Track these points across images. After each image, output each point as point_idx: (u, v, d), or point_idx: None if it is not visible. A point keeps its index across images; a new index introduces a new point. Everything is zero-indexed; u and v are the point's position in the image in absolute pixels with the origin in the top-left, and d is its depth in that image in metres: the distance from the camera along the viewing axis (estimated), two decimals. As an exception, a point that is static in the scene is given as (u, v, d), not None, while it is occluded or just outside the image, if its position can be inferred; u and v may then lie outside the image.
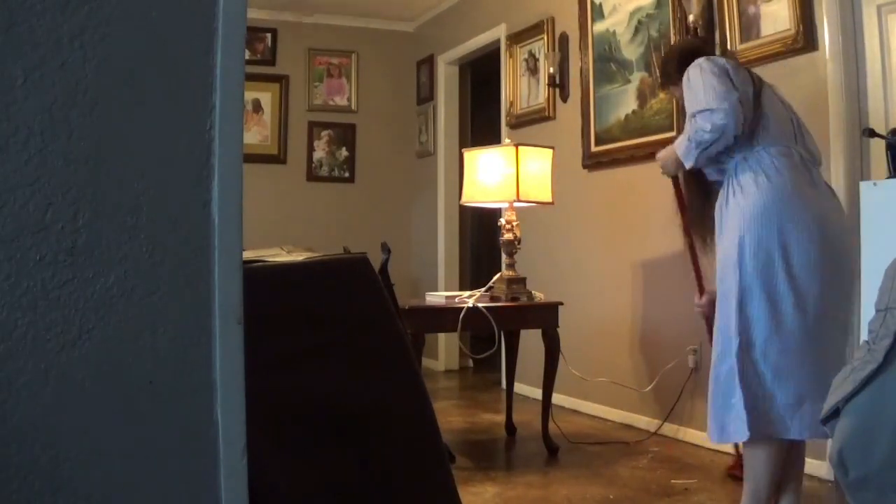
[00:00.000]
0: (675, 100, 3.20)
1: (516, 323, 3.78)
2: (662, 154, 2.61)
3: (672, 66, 2.67)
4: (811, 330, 2.25)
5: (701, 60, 2.45)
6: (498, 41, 5.46)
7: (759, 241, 2.25)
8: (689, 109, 2.42)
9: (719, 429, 2.33)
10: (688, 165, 2.43)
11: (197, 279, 1.08)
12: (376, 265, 1.91)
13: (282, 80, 6.32)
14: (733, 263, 2.29)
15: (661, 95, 3.91)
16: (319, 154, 6.46)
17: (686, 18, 3.67)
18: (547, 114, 4.88)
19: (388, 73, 6.62)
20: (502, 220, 3.75)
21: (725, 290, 2.32)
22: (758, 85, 2.44)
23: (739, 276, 2.27)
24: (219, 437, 1.08)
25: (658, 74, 3.13)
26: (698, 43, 3.09)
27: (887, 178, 2.33)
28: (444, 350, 6.22)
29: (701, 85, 2.37)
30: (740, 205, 2.31)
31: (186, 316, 1.08)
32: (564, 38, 4.74)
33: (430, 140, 6.36)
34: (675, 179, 2.73)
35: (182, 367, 1.07)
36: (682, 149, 2.42)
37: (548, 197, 3.77)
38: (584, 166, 4.53)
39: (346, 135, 6.51)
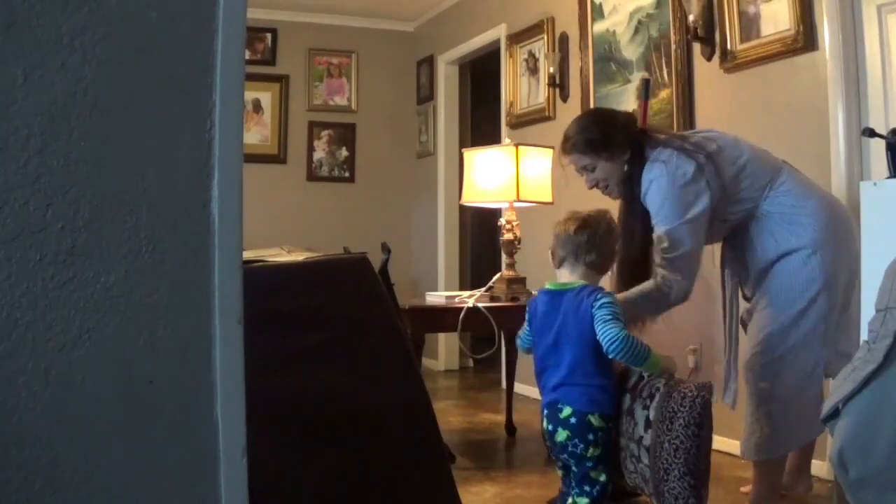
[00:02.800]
0: (585, 172, 2.77)
1: (516, 323, 3.77)
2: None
3: (620, 136, 2.57)
4: None
5: (673, 173, 2.46)
6: (498, 41, 5.46)
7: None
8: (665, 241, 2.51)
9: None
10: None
11: (197, 279, 1.08)
12: (376, 265, 1.91)
13: (282, 79, 6.31)
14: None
15: (662, 95, 3.91)
16: (319, 154, 6.46)
17: (686, 18, 3.67)
18: (547, 114, 4.88)
19: (388, 73, 6.62)
20: (502, 220, 3.75)
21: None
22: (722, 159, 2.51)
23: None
24: (219, 437, 1.08)
25: (581, 139, 2.63)
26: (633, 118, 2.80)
27: (887, 178, 2.33)
28: (444, 350, 6.22)
29: (685, 231, 2.48)
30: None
31: (186, 316, 1.08)
32: (564, 38, 4.74)
33: (430, 140, 6.35)
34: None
35: (182, 367, 1.07)
36: (652, 307, 2.61)
37: (548, 197, 3.77)
38: (584, 166, 4.52)
39: (346, 135, 6.50)
